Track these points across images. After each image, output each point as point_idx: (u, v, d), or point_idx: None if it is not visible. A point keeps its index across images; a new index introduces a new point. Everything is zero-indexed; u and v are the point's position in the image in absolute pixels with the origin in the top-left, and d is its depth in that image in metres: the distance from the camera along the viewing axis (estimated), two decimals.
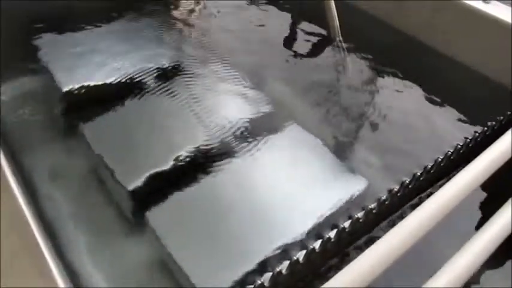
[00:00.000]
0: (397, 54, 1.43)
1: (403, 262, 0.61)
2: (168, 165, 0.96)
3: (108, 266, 0.85)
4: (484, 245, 0.62)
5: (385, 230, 0.88)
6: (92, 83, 1.13)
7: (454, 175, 0.71)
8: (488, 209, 0.89)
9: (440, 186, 0.69)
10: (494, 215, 0.68)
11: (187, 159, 0.98)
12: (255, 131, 1.07)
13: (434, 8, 1.38)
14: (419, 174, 0.89)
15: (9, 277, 0.64)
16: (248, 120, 1.09)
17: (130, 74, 1.17)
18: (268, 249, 0.82)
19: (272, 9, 1.62)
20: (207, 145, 1.02)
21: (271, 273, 0.69)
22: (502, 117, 0.99)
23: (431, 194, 0.70)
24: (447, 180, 0.70)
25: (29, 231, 0.72)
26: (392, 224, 0.91)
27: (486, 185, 0.76)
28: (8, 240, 0.69)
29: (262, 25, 1.54)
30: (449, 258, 0.61)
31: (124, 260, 0.86)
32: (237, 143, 1.04)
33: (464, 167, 0.72)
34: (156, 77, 1.20)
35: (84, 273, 0.83)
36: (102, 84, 1.14)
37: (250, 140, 1.04)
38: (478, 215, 0.97)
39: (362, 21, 1.53)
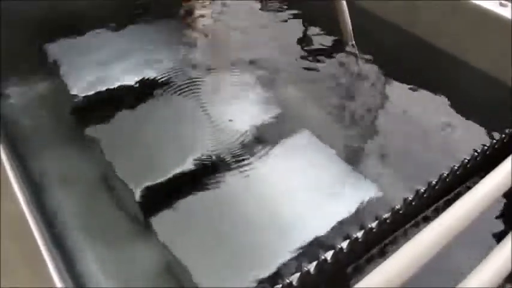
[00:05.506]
0: (413, 60, 1.40)
1: (421, 274, 0.59)
2: (177, 170, 0.94)
3: (114, 271, 0.83)
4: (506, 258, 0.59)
5: (399, 241, 0.87)
6: (102, 88, 1.13)
7: (470, 184, 0.68)
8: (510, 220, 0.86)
9: (456, 194, 0.66)
10: None
11: (197, 165, 0.97)
12: (265, 137, 1.06)
13: (450, 11, 1.35)
14: (434, 183, 0.86)
15: (9, 281, 0.63)
16: (258, 126, 1.08)
17: (141, 79, 1.17)
18: (278, 259, 0.79)
19: (283, 13, 1.60)
20: (216, 151, 1.00)
21: (281, 285, 0.67)
22: None
23: (447, 202, 0.67)
24: (463, 189, 0.67)
25: (31, 235, 0.71)
26: (406, 234, 0.88)
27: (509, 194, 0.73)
28: (10, 244, 0.68)
29: (273, 30, 1.53)
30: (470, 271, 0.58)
31: (130, 266, 0.85)
32: (246, 149, 1.02)
33: (480, 175, 0.70)
34: (166, 82, 1.19)
35: (89, 278, 0.81)
36: (112, 89, 1.14)
37: (259, 146, 1.03)
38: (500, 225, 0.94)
39: (375, 25, 1.51)
